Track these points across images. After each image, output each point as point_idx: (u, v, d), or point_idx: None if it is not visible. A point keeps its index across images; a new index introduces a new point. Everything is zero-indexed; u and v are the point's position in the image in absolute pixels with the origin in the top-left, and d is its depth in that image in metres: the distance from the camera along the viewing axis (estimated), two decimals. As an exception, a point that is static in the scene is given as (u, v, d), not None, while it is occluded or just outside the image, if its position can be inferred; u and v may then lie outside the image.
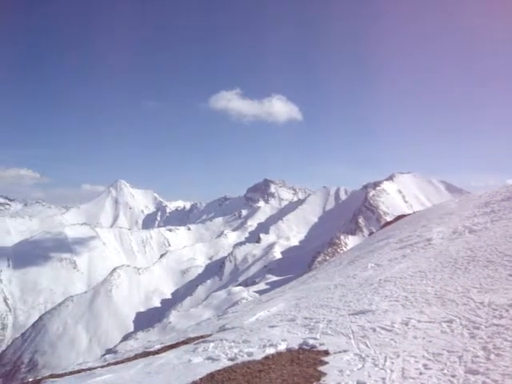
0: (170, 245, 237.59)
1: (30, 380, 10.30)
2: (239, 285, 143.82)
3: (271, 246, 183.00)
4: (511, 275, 9.77)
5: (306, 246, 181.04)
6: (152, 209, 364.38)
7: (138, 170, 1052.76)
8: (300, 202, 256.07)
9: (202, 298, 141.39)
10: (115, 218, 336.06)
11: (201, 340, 10.39)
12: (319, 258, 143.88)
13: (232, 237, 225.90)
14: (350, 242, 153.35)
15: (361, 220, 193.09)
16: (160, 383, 7.14)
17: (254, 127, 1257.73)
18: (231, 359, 7.81)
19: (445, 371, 5.88)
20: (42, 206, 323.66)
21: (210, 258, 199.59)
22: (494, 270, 10.53)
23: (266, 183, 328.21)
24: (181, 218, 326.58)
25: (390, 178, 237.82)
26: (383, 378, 5.94)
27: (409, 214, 40.35)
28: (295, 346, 8.10)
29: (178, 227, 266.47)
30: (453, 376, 5.69)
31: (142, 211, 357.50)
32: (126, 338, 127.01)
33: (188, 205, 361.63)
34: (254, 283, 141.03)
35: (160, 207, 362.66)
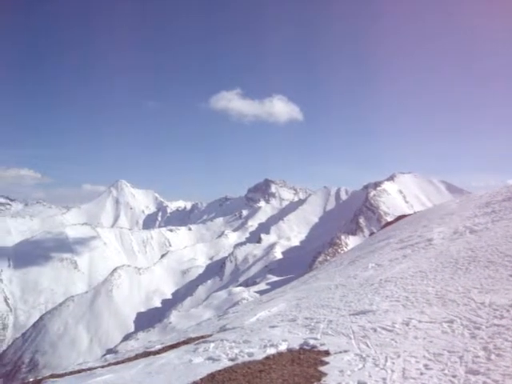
0: (170, 245, 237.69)
1: (31, 380, 10.31)
2: (240, 285, 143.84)
3: (272, 246, 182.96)
4: (512, 275, 9.76)
5: (306, 246, 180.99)
6: (153, 209, 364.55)
7: (138, 170, 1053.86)
8: (301, 202, 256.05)
9: (203, 298, 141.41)
10: (116, 218, 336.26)
11: (201, 340, 10.39)
12: (320, 258, 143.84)
13: (233, 237, 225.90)
14: (351, 242, 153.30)
15: (361, 220, 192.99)
16: (161, 383, 7.14)
17: (255, 127, 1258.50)
18: (232, 359, 7.80)
19: (445, 371, 5.88)
20: (42, 206, 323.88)
21: (211, 258, 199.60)
22: (495, 270, 10.52)
23: (267, 183, 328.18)
24: (181, 218, 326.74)
25: (391, 178, 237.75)
26: (384, 379, 5.94)
27: (409, 215, 40.33)
28: (296, 346, 8.10)
29: (179, 227, 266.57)
30: (453, 376, 5.69)
31: (143, 211, 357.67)
32: (126, 338, 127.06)
33: (189, 205, 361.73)
34: (254, 283, 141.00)
35: (161, 207, 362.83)
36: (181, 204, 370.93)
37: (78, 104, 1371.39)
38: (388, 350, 7.01)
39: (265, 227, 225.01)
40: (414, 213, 41.68)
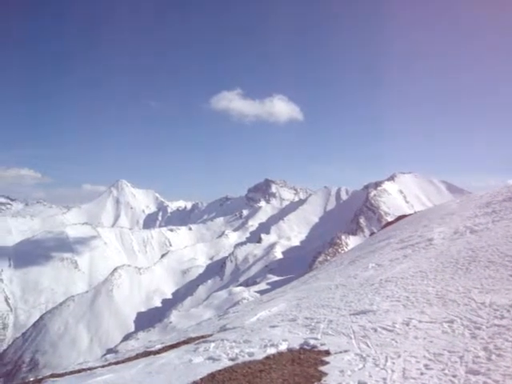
0: (171, 245, 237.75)
1: (31, 379, 10.31)
2: (240, 285, 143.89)
3: (272, 246, 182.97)
4: (512, 275, 9.76)
5: (306, 246, 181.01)
6: (153, 209, 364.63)
7: (139, 169, 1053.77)
8: (301, 202, 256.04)
9: (203, 297, 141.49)
10: (116, 218, 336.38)
11: (202, 340, 10.39)
12: (320, 258, 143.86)
13: (233, 237, 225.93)
14: (351, 242, 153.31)
15: (362, 220, 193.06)
16: (161, 383, 7.14)
17: (256, 127, 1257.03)
18: (232, 359, 7.80)
19: (446, 371, 5.88)
20: (43, 205, 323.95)
21: (211, 258, 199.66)
22: (496, 270, 10.52)
23: (267, 183, 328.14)
24: (182, 218, 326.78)
25: (391, 178, 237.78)
26: (384, 379, 5.93)
27: (410, 214, 40.32)
28: (296, 346, 8.10)
29: (179, 227, 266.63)
30: (454, 376, 5.69)
31: (143, 211, 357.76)
32: (126, 337, 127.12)
33: (189, 205, 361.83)
34: (254, 283, 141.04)
35: (161, 207, 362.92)
36: (181, 204, 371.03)
37: (78, 104, 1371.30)
38: (388, 350, 7.00)
39: (265, 227, 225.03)
40: (415, 213, 41.66)
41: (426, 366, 6.17)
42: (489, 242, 13.65)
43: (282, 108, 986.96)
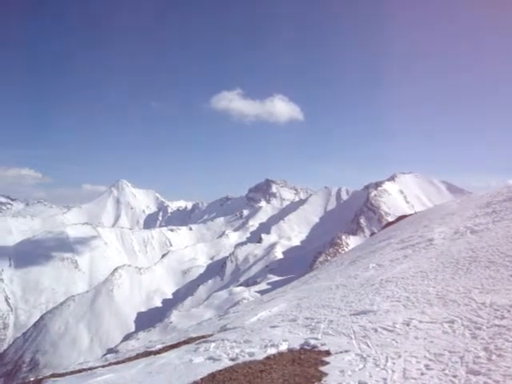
0: (171, 245, 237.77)
1: (32, 379, 10.32)
2: (240, 285, 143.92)
3: (272, 246, 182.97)
4: (513, 276, 9.75)
5: (307, 246, 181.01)
6: (153, 209, 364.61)
7: (139, 169, 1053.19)
8: (301, 202, 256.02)
9: (203, 297, 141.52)
10: (117, 218, 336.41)
11: (202, 340, 10.39)
12: (320, 258, 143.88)
13: (233, 237, 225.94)
14: (352, 242, 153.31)
15: (362, 220, 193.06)
16: (161, 383, 7.15)
17: (256, 127, 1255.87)
18: (232, 359, 7.81)
19: (446, 372, 5.87)
20: (43, 205, 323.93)
21: (212, 258, 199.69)
22: (496, 270, 10.52)
23: (268, 183, 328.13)
24: (182, 218, 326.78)
25: (392, 179, 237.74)
26: (384, 379, 5.93)
27: (410, 215, 40.32)
28: (296, 346, 8.10)
29: (180, 227, 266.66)
30: (454, 376, 5.69)
31: (144, 211, 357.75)
32: (127, 337, 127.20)
33: (189, 205, 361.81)
34: (255, 283, 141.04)
35: (161, 207, 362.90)
36: (181, 204, 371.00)
37: (78, 104, 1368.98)
38: (389, 350, 7.00)
39: (265, 227, 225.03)
40: (415, 213, 41.67)
41: (426, 366, 6.17)
42: (489, 243, 13.65)
43: (282, 108, 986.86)
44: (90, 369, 10.56)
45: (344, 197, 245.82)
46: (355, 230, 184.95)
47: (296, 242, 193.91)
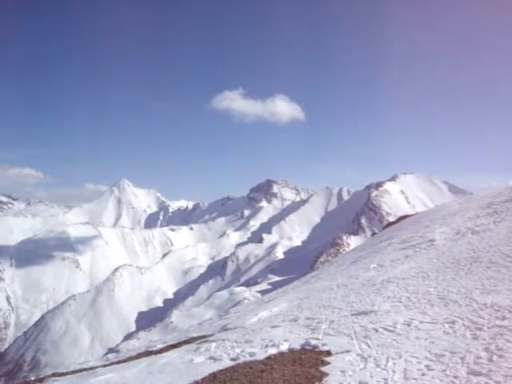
0: (172, 244, 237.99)
1: (33, 379, 10.33)
2: (241, 285, 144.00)
3: (273, 246, 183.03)
4: (514, 276, 9.75)
5: (308, 246, 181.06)
6: (155, 208, 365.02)
7: (140, 169, 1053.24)
8: (302, 202, 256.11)
9: (204, 297, 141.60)
10: (118, 218, 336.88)
11: (203, 340, 10.40)
12: (321, 259, 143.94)
13: (234, 237, 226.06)
14: (353, 242, 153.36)
15: (363, 220, 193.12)
16: (162, 382, 7.15)
17: (257, 127, 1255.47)
18: (233, 359, 7.81)
19: (447, 372, 5.87)
20: (44, 205, 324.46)
21: (213, 258, 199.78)
22: (497, 271, 10.50)
23: (269, 183, 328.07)
24: (183, 218, 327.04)
25: (393, 179, 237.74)
26: (385, 379, 5.93)
27: (411, 215, 40.28)
28: (297, 346, 8.10)
29: (181, 227, 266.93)
30: (455, 377, 5.68)
31: (145, 211, 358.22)
32: (127, 337, 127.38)
33: (190, 204, 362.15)
34: (256, 283, 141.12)
35: (163, 207, 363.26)
36: (183, 204, 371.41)
37: (80, 104, 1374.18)
38: (389, 351, 7.00)
39: (266, 227, 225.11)
40: (416, 213, 41.63)
41: (427, 366, 6.16)
42: (490, 243, 13.64)
43: (283, 108, 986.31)
44: (91, 368, 10.58)
45: (345, 197, 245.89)
46: (356, 230, 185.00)
47: (297, 242, 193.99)
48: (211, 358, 8.12)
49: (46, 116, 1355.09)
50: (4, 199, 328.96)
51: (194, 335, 12.72)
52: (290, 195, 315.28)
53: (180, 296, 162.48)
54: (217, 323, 15.46)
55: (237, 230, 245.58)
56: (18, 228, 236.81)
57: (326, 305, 11.36)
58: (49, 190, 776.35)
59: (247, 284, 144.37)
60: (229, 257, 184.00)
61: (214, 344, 9.31)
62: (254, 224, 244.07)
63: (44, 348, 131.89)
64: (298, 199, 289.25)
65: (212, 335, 11.19)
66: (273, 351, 7.94)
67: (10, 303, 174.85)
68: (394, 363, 6.45)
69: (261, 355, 7.78)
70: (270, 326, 10.28)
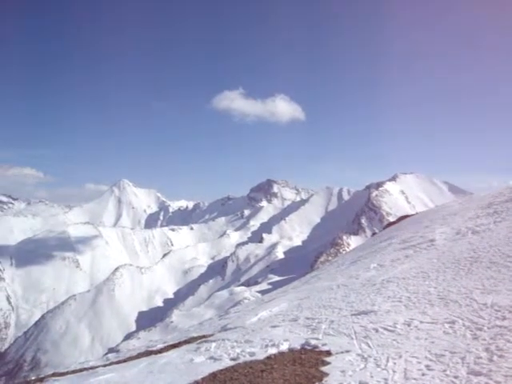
0: (172, 244, 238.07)
1: (33, 378, 10.33)
2: (241, 285, 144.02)
3: (274, 246, 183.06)
4: (514, 276, 9.75)
5: (308, 246, 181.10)
6: (155, 208, 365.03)
7: (141, 169, 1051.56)
8: (303, 202, 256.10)
9: (205, 297, 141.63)
10: (118, 218, 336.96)
11: (203, 340, 10.41)
12: (322, 258, 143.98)
13: (234, 237, 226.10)
14: (353, 242, 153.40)
15: (363, 220, 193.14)
16: (162, 382, 7.15)
17: (257, 127, 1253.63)
18: (233, 359, 7.82)
19: (447, 372, 5.87)
20: (45, 205, 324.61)
21: (213, 258, 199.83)
22: (497, 271, 10.50)
23: (269, 183, 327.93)
24: (183, 218, 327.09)
25: (393, 179, 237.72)
26: (385, 379, 5.93)
27: (412, 215, 40.29)
28: (297, 346, 8.10)
29: (181, 227, 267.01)
30: (455, 377, 5.68)
31: (145, 211, 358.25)
32: (128, 337, 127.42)
33: (191, 204, 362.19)
34: (256, 283, 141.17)
35: (163, 207, 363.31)
36: (183, 203, 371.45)
37: (80, 104, 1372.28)
38: (390, 351, 7.00)
39: (267, 227, 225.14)
40: (416, 213, 41.64)
41: (427, 366, 6.16)
42: (490, 243, 13.64)
43: (283, 108, 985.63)
44: (92, 368, 10.58)
45: (345, 197, 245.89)
46: (356, 230, 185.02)
47: (297, 241, 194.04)
48: (211, 357, 8.12)
49: (46, 116, 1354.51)
50: (4, 199, 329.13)
51: (194, 335, 12.73)
52: (290, 195, 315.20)
53: (180, 296, 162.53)
54: (217, 323, 15.47)
55: (237, 229, 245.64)
56: (18, 228, 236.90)
57: (326, 305, 11.36)
58: (49, 190, 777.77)
59: (247, 284, 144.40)
60: (229, 257, 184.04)
61: (214, 344, 9.32)
62: (254, 224, 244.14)
63: (44, 348, 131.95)
64: (298, 199, 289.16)
65: (212, 335, 11.19)
66: (273, 351, 7.94)
67: (10, 303, 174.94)
68: (394, 363, 6.46)
69: (261, 355, 7.78)
70: (270, 325, 10.28)
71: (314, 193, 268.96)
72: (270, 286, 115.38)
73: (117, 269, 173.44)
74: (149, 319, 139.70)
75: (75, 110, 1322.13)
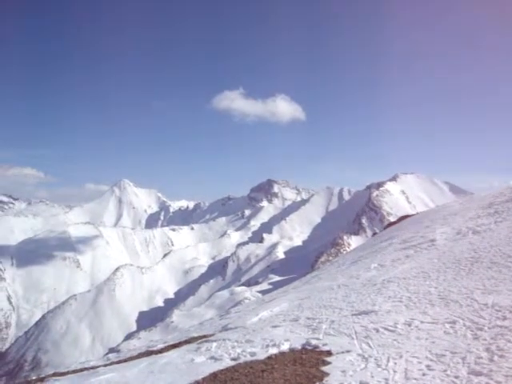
0: (173, 244, 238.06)
1: (34, 378, 10.33)
2: (242, 285, 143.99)
3: (274, 246, 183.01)
4: (515, 276, 9.74)
5: (309, 246, 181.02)
6: (155, 208, 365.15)
7: (141, 169, 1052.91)
8: (303, 202, 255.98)
9: (205, 297, 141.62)
10: (118, 218, 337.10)
11: (204, 340, 10.40)
12: (322, 258, 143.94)
13: (235, 237, 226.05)
14: (353, 242, 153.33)
15: (364, 220, 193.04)
16: (163, 382, 7.15)
17: (258, 127, 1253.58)
18: (234, 359, 7.82)
19: (448, 372, 5.87)
20: (45, 205, 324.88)
21: (213, 258, 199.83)
22: (498, 271, 10.50)
23: (270, 183, 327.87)
24: (184, 218, 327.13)
25: (394, 179, 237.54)
26: (386, 379, 5.93)
27: (412, 215, 40.29)
28: (298, 346, 8.10)
29: (182, 227, 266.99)
30: (456, 377, 5.68)
31: (146, 211, 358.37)
32: (128, 337, 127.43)
33: (191, 204, 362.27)
34: (256, 283, 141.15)
35: (163, 207, 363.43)
36: (183, 203, 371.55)
37: (80, 104, 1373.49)
38: (390, 351, 7.00)
39: (267, 227, 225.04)
40: (417, 213, 41.63)
41: (427, 366, 6.16)
42: (491, 243, 13.63)
43: (284, 108, 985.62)
44: (92, 368, 10.58)
45: (346, 197, 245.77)
46: (357, 230, 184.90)
47: (298, 241, 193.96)
48: (212, 357, 8.12)
49: (46, 116, 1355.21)
50: (5, 199, 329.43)
51: (195, 335, 12.73)
52: (290, 195, 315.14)
53: (181, 296, 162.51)
54: (217, 323, 15.47)
55: (237, 229, 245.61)
56: (18, 228, 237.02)
57: (327, 305, 11.36)
58: (49, 190, 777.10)
59: (248, 284, 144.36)
60: (229, 257, 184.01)
61: (214, 344, 9.32)
62: (255, 224, 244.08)
63: (45, 348, 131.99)
64: (298, 199, 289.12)
65: (213, 335, 11.19)
66: (274, 351, 7.94)
67: (11, 303, 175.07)
68: (395, 363, 6.46)
69: (262, 355, 7.78)
70: (271, 325, 10.28)
71: (315, 193, 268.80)
72: (270, 286, 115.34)
73: (117, 269, 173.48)
74: (149, 319, 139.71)
75: (75, 109, 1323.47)
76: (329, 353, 7.50)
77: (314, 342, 8.11)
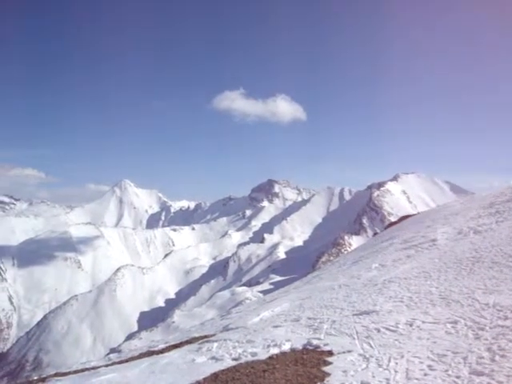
0: (174, 245, 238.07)
1: (35, 378, 10.34)
2: (243, 285, 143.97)
3: (275, 246, 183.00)
4: (516, 276, 9.73)
5: (310, 246, 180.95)
6: (156, 208, 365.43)
7: (142, 169, 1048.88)
8: (304, 202, 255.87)
9: (206, 297, 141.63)
10: (119, 218, 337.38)
11: (205, 340, 10.41)
12: (323, 259, 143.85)
13: (236, 237, 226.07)
14: (354, 242, 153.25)
15: (365, 220, 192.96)
16: (164, 382, 7.16)
17: (258, 127, 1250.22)
18: (235, 359, 7.81)
19: (449, 372, 5.86)
20: (46, 205, 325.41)
21: (214, 258, 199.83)
22: (499, 271, 10.50)
23: (270, 183, 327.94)
24: (185, 218, 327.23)
25: (395, 179, 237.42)
26: (387, 379, 5.93)
27: (413, 215, 40.29)
28: (299, 346, 8.10)
29: (182, 227, 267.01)
30: (457, 377, 5.68)
31: (147, 211, 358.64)
32: (129, 337, 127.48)
33: (192, 205, 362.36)
34: (257, 283, 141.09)
35: (164, 207, 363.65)
36: (184, 204, 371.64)
37: (81, 104, 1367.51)
38: (391, 351, 7.00)
39: (268, 227, 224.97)
40: (418, 213, 41.62)
41: (429, 366, 6.16)
42: (492, 243, 13.63)
43: (285, 108, 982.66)
44: (93, 368, 10.59)
45: (347, 197, 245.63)
46: (358, 230, 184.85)
47: (299, 242, 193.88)
48: (213, 357, 8.13)
49: (46, 116, 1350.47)
50: (6, 199, 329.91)
51: (196, 335, 12.73)
52: (291, 195, 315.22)
53: (182, 296, 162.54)
54: (219, 323, 15.47)
55: (238, 230, 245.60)
56: (20, 228, 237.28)
57: (328, 305, 11.36)
58: (50, 191, 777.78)
59: (249, 284, 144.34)
60: (230, 257, 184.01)
61: (215, 344, 9.32)
62: (256, 224, 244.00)
63: (46, 348, 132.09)
64: (299, 199, 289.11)
65: (214, 335, 11.20)
66: (275, 351, 7.94)
67: (12, 303, 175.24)
68: (396, 363, 6.45)
69: (263, 355, 7.78)
70: (272, 325, 10.29)
71: (316, 193, 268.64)
72: (271, 286, 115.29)
73: (118, 269, 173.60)
74: (150, 319, 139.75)
75: (76, 109, 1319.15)
76: (330, 353, 7.50)
77: (315, 342, 8.11)
